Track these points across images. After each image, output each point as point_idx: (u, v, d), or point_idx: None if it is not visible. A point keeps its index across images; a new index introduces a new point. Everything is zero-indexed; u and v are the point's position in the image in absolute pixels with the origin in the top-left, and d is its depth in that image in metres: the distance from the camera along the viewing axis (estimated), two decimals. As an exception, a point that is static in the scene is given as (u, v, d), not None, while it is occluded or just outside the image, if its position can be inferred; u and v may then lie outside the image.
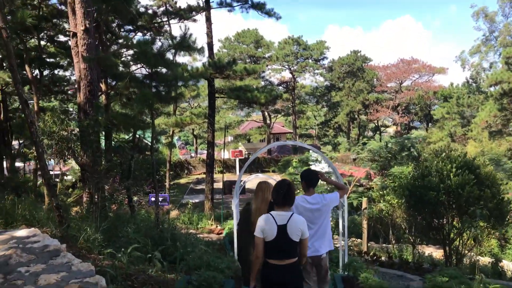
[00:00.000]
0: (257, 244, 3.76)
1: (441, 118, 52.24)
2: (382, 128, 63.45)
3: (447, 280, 7.82)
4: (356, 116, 59.11)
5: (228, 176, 41.11)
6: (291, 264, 3.77)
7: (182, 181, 42.91)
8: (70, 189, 20.17)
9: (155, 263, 6.96)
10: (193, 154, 59.38)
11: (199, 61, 30.62)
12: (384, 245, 17.89)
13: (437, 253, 17.68)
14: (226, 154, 54.70)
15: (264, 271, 3.82)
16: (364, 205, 12.75)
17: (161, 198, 18.09)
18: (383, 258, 11.79)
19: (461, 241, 9.69)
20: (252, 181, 39.55)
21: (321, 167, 17.42)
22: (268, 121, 54.55)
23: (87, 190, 11.24)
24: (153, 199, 18.16)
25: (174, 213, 19.97)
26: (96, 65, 11.47)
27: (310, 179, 4.93)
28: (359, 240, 15.76)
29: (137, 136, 13.73)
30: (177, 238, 9.20)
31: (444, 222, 9.52)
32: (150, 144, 38.23)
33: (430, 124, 61.48)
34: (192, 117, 21.95)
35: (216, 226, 18.99)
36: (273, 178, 17.87)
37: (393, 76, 56.08)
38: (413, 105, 59.88)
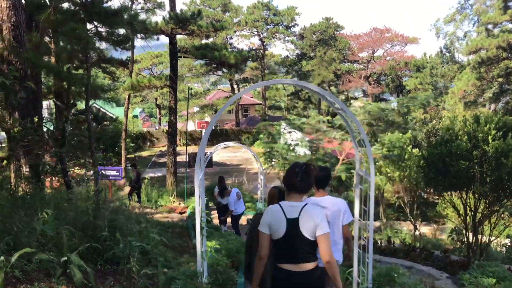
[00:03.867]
0: (261, 241, 3.02)
1: (413, 89, 50.98)
2: (352, 101, 61.94)
3: (494, 282, 5.76)
4: (327, 87, 57.17)
5: (194, 149, 38.67)
6: (310, 271, 2.96)
7: (145, 153, 40.15)
8: (5, 162, 17.00)
9: (72, 272, 4.49)
10: (157, 126, 56.22)
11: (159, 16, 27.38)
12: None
13: (427, 230, 15.89)
14: (191, 125, 52.07)
15: (275, 278, 3.06)
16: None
17: (114, 171, 15.41)
18: (381, 243, 9.76)
19: (489, 224, 7.66)
20: (220, 153, 37.28)
21: (297, 136, 15.18)
22: (236, 91, 51.88)
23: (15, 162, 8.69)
24: (103, 172, 15.47)
25: (128, 189, 17.33)
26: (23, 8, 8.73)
27: (318, 178, 3.90)
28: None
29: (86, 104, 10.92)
30: (119, 225, 6.70)
31: (471, 200, 7.46)
32: (109, 114, 34.94)
33: (400, 95, 60.40)
34: (150, 79, 19.10)
35: (179, 204, 16.54)
36: (247, 148, 15.48)
37: (365, 45, 54.20)
38: (384, 76, 58.61)
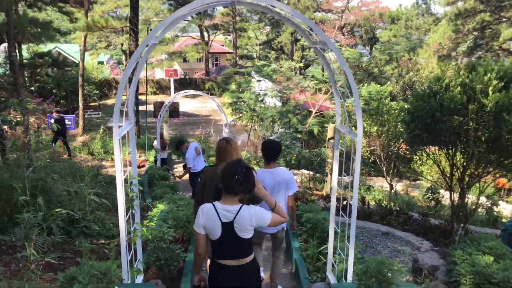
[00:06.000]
0: (197, 240, 2.96)
1: (387, 42, 50.00)
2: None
3: (492, 261, 4.94)
4: (300, 36, 55.37)
5: (162, 98, 37.09)
6: (247, 264, 2.96)
7: (110, 101, 38.31)
8: None
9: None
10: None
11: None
12: (340, 177, 15.27)
13: (398, 187, 15.32)
14: (159, 73, 49.85)
15: (214, 273, 3.01)
16: (330, 133, 9.60)
17: (65, 120, 13.96)
18: (355, 204, 8.93)
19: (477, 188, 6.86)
20: (188, 103, 35.68)
21: (267, 85, 14.01)
22: (206, 39, 49.54)
23: None
24: (53, 120, 13.99)
25: (82, 139, 15.92)
26: None
27: (270, 151, 4.22)
28: (306, 173, 12.78)
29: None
30: (47, 187, 5.51)
31: (459, 160, 6.59)
32: (71, 58, 32.64)
33: (373, 48, 59.41)
34: (107, 19, 17.24)
35: (139, 156, 15.29)
36: (210, 97, 14.22)
37: (340, -6, 52.25)
38: (358, 27, 57.38)
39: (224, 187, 2.87)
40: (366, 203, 8.74)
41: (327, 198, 9.06)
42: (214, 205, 2.87)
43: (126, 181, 3.92)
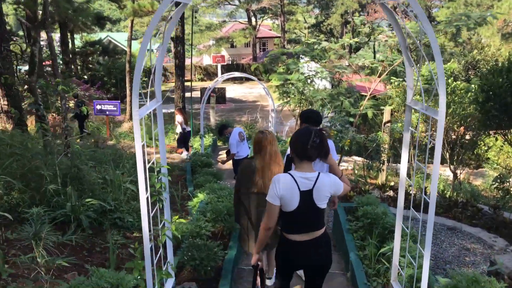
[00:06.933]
0: (271, 212, 2.76)
1: (445, 20, 47.17)
2: (376, 33, 58.04)
3: None
4: (350, 18, 53.39)
5: (209, 84, 37.07)
6: (320, 237, 2.82)
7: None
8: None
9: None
10: (171, 60, 54.06)
11: None
12: (394, 164, 14.36)
13: (461, 175, 14.16)
14: (207, 60, 49.92)
15: (285, 250, 2.89)
16: (386, 117, 8.76)
17: (111, 106, 13.88)
18: (415, 195, 8.11)
19: None
20: (235, 89, 35.33)
21: (314, 66, 13.22)
22: (253, 23, 48.86)
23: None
24: (98, 106, 13.94)
25: (127, 126, 15.85)
26: None
27: (311, 119, 4.15)
28: (358, 159, 11.89)
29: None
30: (80, 175, 5.16)
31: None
32: (121, 46, 32.93)
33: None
34: (153, 3, 16.94)
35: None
36: (260, 83, 13.67)
37: (394, -29, 49.78)
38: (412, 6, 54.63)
39: (299, 154, 2.74)
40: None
41: (382, 188, 8.29)
42: (291, 174, 2.72)
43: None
